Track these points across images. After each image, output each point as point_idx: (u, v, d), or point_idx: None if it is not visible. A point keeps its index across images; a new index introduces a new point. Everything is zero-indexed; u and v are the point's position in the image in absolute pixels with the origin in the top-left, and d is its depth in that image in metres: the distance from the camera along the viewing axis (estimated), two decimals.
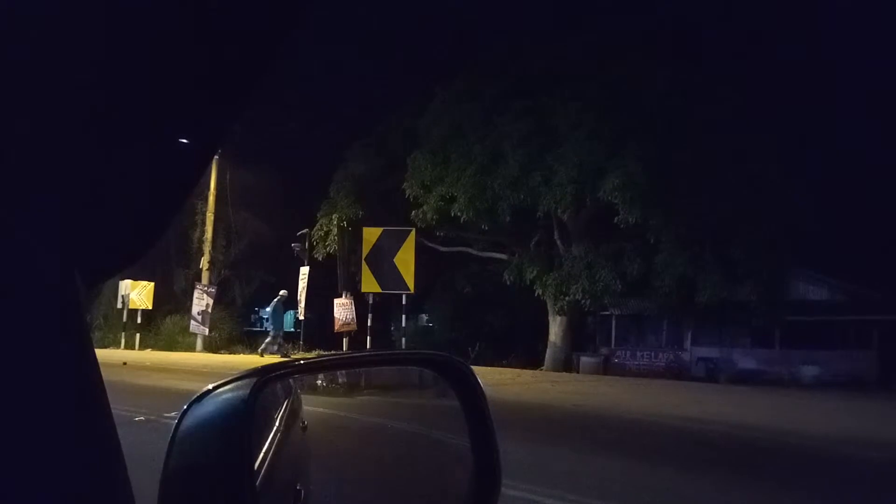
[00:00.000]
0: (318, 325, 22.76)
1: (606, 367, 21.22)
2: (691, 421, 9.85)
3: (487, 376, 14.15)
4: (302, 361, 1.12)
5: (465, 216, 18.75)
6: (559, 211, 18.59)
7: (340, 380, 1.94)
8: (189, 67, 0.65)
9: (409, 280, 18.93)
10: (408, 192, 19.77)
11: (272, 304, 20.40)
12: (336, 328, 21.11)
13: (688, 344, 22.30)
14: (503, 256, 21.14)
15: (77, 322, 0.65)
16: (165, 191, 0.72)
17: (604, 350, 23.23)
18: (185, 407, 0.85)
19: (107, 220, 0.70)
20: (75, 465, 0.59)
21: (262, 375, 0.92)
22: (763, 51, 19.95)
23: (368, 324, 19.95)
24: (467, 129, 19.30)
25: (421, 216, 19.51)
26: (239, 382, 0.89)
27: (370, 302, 20.02)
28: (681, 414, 10.45)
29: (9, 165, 0.62)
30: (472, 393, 1.17)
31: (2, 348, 0.58)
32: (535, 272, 19.25)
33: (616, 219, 17.22)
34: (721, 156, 17.42)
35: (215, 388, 0.88)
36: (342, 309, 21.14)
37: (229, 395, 0.87)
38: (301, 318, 22.99)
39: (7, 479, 0.54)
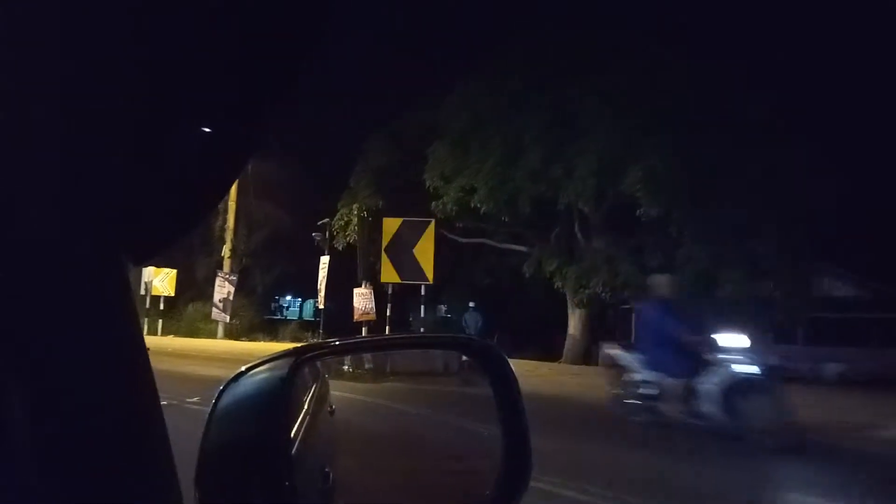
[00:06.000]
0: (338, 315, 22.92)
1: None
2: None
3: None
4: (338, 343, 1.12)
5: (484, 207, 18.68)
6: (580, 203, 18.44)
7: (367, 366, 1.95)
8: (237, 60, 0.65)
9: (429, 270, 18.95)
10: (428, 183, 19.73)
11: (466, 314, 20.41)
12: (355, 317, 21.22)
13: None
14: (523, 248, 21.05)
15: (125, 305, 0.66)
16: (213, 173, 0.72)
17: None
18: (222, 386, 0.86)
19: (155, 198, 0.70)
20: (127, 447, 0.60)
21: (299, 355, 0.92)
22: (792, 41, 19.60)
23: (387, 314, 20.03)
24: (487, 120, 19.18)
25: (441, 207, 19.46)
26: (276, 362, 0.90)
27: (389, 292, 20.10)
28: None
29: (46, 151, 0.61)
30: (506, 381, 1.17)
31: (50, 335, 0.58)
32: (554, 265, 19.15)
33: (638, 212, 17.06)
34: (745, 149, 17.14)
35: (253, 367, 0.88)
36: (361, 298, 21.25)
37: (267, 374, 0.87)
38: (320, 307, 23.16)
39: (58, 462, 0.55)
